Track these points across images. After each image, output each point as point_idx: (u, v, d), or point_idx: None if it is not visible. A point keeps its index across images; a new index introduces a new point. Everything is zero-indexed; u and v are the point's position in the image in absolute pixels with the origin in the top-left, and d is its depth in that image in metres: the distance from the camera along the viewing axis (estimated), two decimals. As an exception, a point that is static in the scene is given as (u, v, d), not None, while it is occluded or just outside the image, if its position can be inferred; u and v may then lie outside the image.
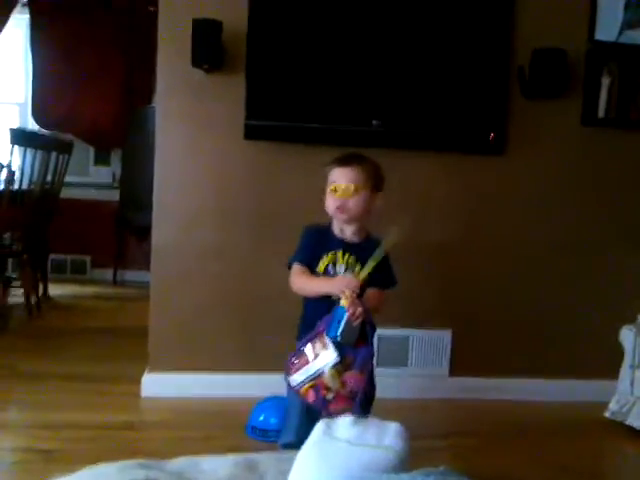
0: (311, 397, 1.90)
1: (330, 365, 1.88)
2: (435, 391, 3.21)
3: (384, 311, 2.12)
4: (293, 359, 1.93)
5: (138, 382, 3.09)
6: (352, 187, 2.05)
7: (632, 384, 2.93)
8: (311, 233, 2.17)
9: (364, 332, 1.95)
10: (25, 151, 4.37)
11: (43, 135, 5.33)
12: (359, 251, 2.09)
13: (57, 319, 4.69)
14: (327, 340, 1.89)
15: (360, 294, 1.96)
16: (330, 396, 1.89)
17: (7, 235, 4.81)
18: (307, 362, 1.91)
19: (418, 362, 3.25)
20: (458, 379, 3.26)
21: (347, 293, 1.92)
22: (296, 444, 1.98)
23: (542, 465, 2.58)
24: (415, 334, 3.24)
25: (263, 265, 3.08)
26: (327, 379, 1.88)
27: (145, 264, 3.76)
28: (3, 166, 4.26)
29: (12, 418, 2.88)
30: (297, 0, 3.02)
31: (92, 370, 3.40)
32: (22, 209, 4.44)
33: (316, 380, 1.89)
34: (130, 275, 6.19)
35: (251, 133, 3.00)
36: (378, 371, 2.23)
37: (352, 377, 1.91)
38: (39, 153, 4.44)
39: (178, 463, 1.35)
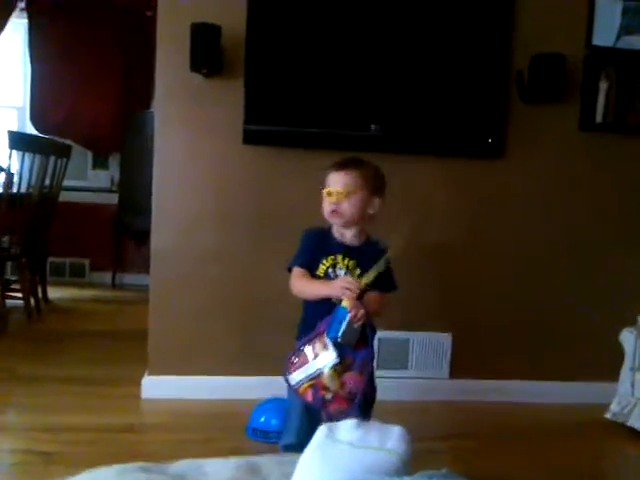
0: (310, 396, 1.91)
1: (329, 366, 1.88)
2: (435, 393, 3.21)
3: (385, 314, 2.13)
4: (293, 358, 1.94)
5: (138, 384, 3.09)
6: (344, 191, 2.06)
7: (633, 386, 2.94)
8: (311, 236, 2.17)
9: (364, 334, 1.95)
10: (23, 155, 4.37)
11: (41, 139, 5.32)
12: (359, 254, 2.10)
13: (56, 322, 4.69)
14: (327, 341, 1.89)
15: (360, 297, 1.97)
16: (329, 396, 1.89)
17: (6, 238, 4.81)
18: (307, 361, 1.91)
19: (418, 365, 3.26)
20: (458, 381, 3.26)
21: (349, 294, 1.93)
22: (297, 445, 2.01)
23: (543, 467, 2.58)
24: (415, 337, 3.24)
25: (262, 268, 3.08)
26: (326, 379, 1.89)
27: (144, 267, 3.77)
28: (2, 169, 4.26)
29: (11, 421, 2.87)
30: (296, 5, 3.02)
31: (91, 373, 3.40)
32: (21, 212, 4.44)
33: (315, 380, 1.89)
34: (129, 278, 6.20)
35: (250, 138, 3.01)
36: (378, 373, 2.23)
37: (351, 378, 1.91)
38: (37, 157, 4.45)
39: (179, 466, 1.35)
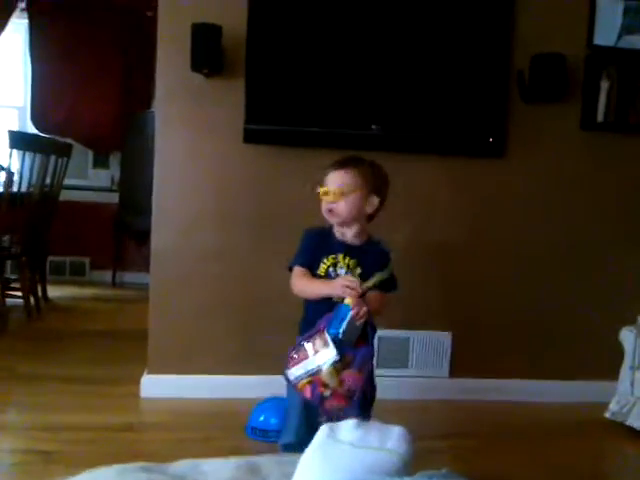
0: (308, 393, 1.91)
1: (329, 363, 1.88)
2: (435, 392, 3.21)
3: (385, 312, 2.13)
4: (293, 353, 1.93)
5: (137, 384, 3.09)
6: (339, 190, 2.06)
7: (632, 385, 2.94)
8: (311, 236, 2.17)
9: (365, 332, 1.95)
10: (24, 154, 4.38)
11: (42, 138, 5.32)
12: (360, 254, 2.10)
13: (56, 321, 4.69)
14: (328, 338, 1.89)
15: (362, 295, 1.96)
16: (327, 393, 1.89)
17: (6, 237, 4.82)
18: (306, 357, 1.91)
19: (418, 363, 3.26)
20: (458, 380, 3.27)
21: (350, 293, 1.93)
22: (296, 444, 2.02)
23: (542, 466, 2.58)
24: (415, 335, 3.25)
25: (263, 268, 3.08)
26: (325, 376, 1.88)
27: (144, 266, 3.77)
28: (3, 169, 4.26)
29: (11, 420, 2.87)
30: (296, 4, 3.02)
31: (91, 372, 3.40)
32: (21, 212, 4.44)
33: (314, 376, 1.89)
34: (129, 277, 6.20)
35: (250, 137, 3.01)
36: (378, 372, 2.24)
37: (350, 376, 1.91)
38: (38, 156, 4.45)
39: (179, 466, 1.35)
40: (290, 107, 3.04)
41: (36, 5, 6.00)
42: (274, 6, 3.01)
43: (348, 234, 2.13)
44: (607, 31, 3.22)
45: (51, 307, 5.06)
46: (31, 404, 2.95)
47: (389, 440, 1.05)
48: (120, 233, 6.13)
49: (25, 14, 6.00)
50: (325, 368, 1.88)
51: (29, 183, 4.47)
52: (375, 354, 2.11)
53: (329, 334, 1.89)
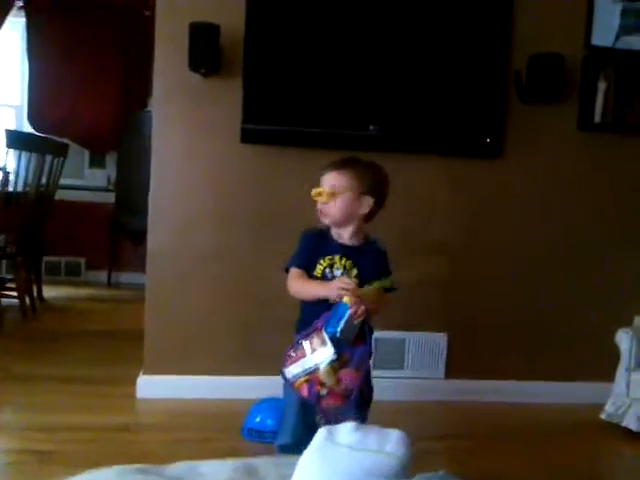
0: (305, 391, 1.90)
1: (326, 361, 1.87)
2: (431, 393, 3.21)
3: (381, 313, 2.12)
4: (290, 352, 1.93)
5: (134, 384, 3.08)
6: (330, 191, 2.06)
7: (628, 386, 2.94)
8: (309, 237, 2.17)
9: (362, 331, 1.95)
10: (20, 154, 4.36)
11: (38, 138, 5.31)
12: (357, 254, 2.10)
13: (52, 321, 4.69)
14: (325, 336, 1.88)
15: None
16: (324, 392, 1.88)
17: (1, 237, 4.80)
18: (304, 356, 1.90)
19: (414, 365, 3.26)
20: (454, 381, 3.26)
21: (347, 294, 1.92)
22: (292, 445, 2.02)
23: (539, 467, 2.58)
24: (411, 337, 3.24)
25: (261, 268, 3.08)
26: (322, 375, 1.88)
27: (140, 266, 3.76)
28: (-2, 168, 4.26)
29: (6, 420, 2.86)
30: (294, 4, 3.02)
31: (87, 372, 3.39)
32: (17, 211, 4.43)
33: (311, 375, 1.88)
34: (125, 277, 6.19)
35: (248, 137, 3.01)
36: (375, 373, 2.23)
37: (347, 375, 1.90)
38: (34, 156, 4.45)
39: (177, 468, 1.34)
40: (288, 107, 3.04)
41: (33, 3, 5.99)
42: (272, 6, 3.01)
43: (344, 235, 2.12)
44: (605, 32, 3.22)
45: (46, 307, 5.05)
46: (26, 404, 2.94)
47: (388, 443, 1.05)
48: (116, 233, 6.12)
49: (22, 12, 6.00)
50: (322, 367, 1.87)
51: (25, 182, 4.46)
52: (373, 353, 2.09)
53: (327, 333, 1.88)
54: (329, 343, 1.87)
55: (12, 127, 5.97)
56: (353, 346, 1.93)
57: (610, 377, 3.02)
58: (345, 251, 2.10)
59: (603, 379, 3.07)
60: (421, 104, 3.11)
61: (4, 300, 4.43)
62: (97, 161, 6.36)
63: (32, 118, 6.08)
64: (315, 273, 2.08)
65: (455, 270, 3.23)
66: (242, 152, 3.05)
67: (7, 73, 6.26)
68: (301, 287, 2.09)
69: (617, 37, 3.22)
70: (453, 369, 3.28)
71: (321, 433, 1.09)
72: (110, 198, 6.12)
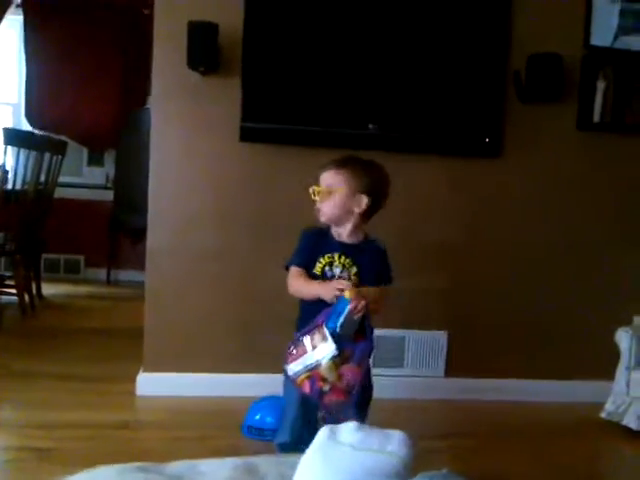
0: (307, 388, 1.90)
1: (328, 357, 1.87)
2: (432, 392, 3.21)
3: (381, 311, 2.12)
4: (291, 348, 1.93)
5: (133, 382, 3.09)
6: (324, 190, 2.07)
7: (628, 385, 2.95)
8: (309, 236, 2.17)
9: (363, 326, 1.95)
10: (19, 151, 4.36)
11: (37, 135, 5.31)
12: (356, 253, 2.10)
13: (51, 318, 4.68)
14: (326, 332, 1.88)
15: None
16: (326, 388, 1.88)
17: (1, 235, 4.80)
18: (305, 352, 1.90)
19: (414, 363, 3.26)
20: (454, 380, 3.27)
21: (350, 286, 1.93)
22: (291, 444, 2.03)
23: (540, 466, 2.59)
24: (411, 335, 3.25)
25: (260, 266, 3.08)
26: (324, 371, 1.88)
27: (139, 264, 3.76)
28: (-3, 165, 4.25)
29: (6, 417, 2.86)
30: (293, 3, 3.02)
31: (86, 370, 3.39)
32: (16, 209, 4.43)
33: (313, 371, 1.88)
34: (124, 275, 6.19)
35: (247, 135, 3.01)
36: (374, 372, 2.24)
37: (349, 370, 1.90)
38: (33, 153, 4.44)
39: (177, 466, 1.35)
40: (286, 106, 3.04)
41: (31, 1, 5.97)
42: (271, 4, 3.01)
43: (343, 233, 2.12)
44: (603, 32, 3.22)
45: (45, 305, 5.05)
46: (25, 401, 2.94)
47: (390, 443, 1.05)
48: (115, 231, 6.12)
49: (20, 10, 5.99)
50: (324, 363, 1.87)
51: (23, 180, 4.46)
52: (374, 348, 2.09)
53: (327, 328, 1.88)
54: (330, 339, 1.86)
55: (10, 125, 5.95)
56: (354, 342, 1.93)
57: (610, 376, 3.03)
58: (344, 249, 2.10)
59: (603, 378, 3.07)
60: (420, 103, 3.11)
61: (3, 297, 4.44)
62: (96, 159, 6.35)
63: (30, 116, 6.07)
64: (315, 271, 2.08)
65: (455, 269, 3.23)
66: (241, 150, 3.05)
67: (5, 71, 6.24)
68: (300, 286, 2.09)
69: (616, 37, 3.22)
70: (453, 367, 3.28)
71: (323, 432, 1.10)
72: (109, 196, 6.11)
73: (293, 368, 1.90)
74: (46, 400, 2.94)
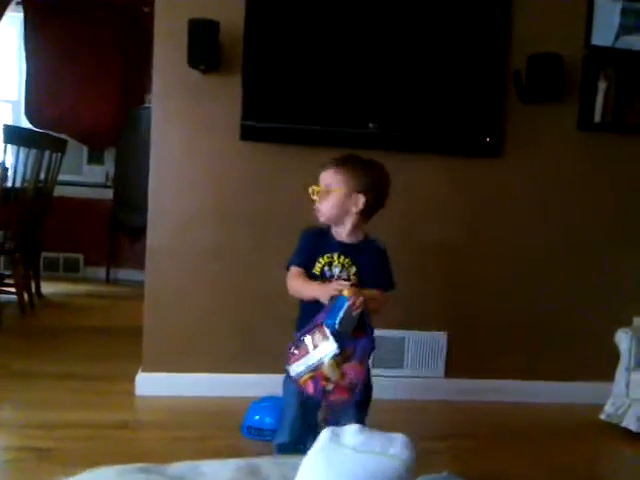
0: (310, 388, 1.89)
1: (330, 356, 1.86)
2: (431, 393, 3.21)
3: (381, 311, 2.12)
4: (293, 349, 1.92)
5: (132, 381, 3.09)
6: (322, 189, 2.07)
7: (627, 386, 2.95)
8: (308, 235, 2.16)
9: (363, 323, 1.94)
10: (18, 149, 4.35)
11: (37, 133, 5.29)
12: (356, 252, 2.09)
13: (50, 317, 4.68)
14: (327, 331, 1.87)
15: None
16: (330, 387, 1.88)
17: (0, 233, 4.79)
18: (307, 352, 1.88)
19: (414, 363, 3.26)
20: (454, 380, 3.27)
21: (348, 286, 1.92)
22: (290, 444, 2.02)
23: (539, 467, 2.58)
24: (411, 335, 3.24)
25: (260, 266, 3.08)
26: (327, 370, 1.87)
27: (138, 263, 3.76)
28: (-4, 163, 4.25)
29: (5, 417, 2.86)
30: (294, 1, 3.02)
31: (86, 369, 3.39)
32: (15, 207, 4.42)
33: (315, 371, 1.88)
34: (123, 273, 6.18)
35: (247, 134, 3.00)
36: (374, 372, 2.23)
37: (352, 368, 1.89)
38: (32, 151, 4.43)
39: (178, 467, 1.34)
40: (287, 104, 3.03)
41: (31, -1, 5.98)
42: (272, 2, 3.00)
43: (342, 233, 2.11)
44: (605, 31, 3.22)
45: (45, 303, 5.05)
46: (25, 401, 2.94)
47: (392, 446, 1.04)
48: (114, 230, 6.11)
49: (20, 8, 5.98)
50: (326, 361, 1.86)
51: (23, 178, 4.45)
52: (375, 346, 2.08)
53: (327, 326, 1.87)
54: (331, 337, 1.85)
55: (10, 122, 5.94)
56: (355, 339, 1.92)
57: (610, 377, 3.02)
58: (343, 249, 2.09)
59: (603, 379, 3.07)
60: (421, 103, 3.11)
61: (2, 296, 4.43)
62: (95, 157, 6.35)
63: (30, 114, 6.07)
64: (314, 271, 2.08)
65: (455, 269, 3.23)
66: (242, 149, 3.05)
67: (5, 68, 6.24)
68: (299, 286, 2.09)
69: (617, 37, 3.22)
70: (453, 368, 3.28)
71: (325, 434, 1.09)
72: (108, 194, 6.11)
73: (295, 369, 1.89)
74: (46, 400, 2.94)
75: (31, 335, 4.13)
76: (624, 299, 3.25)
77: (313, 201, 2.10)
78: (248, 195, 3.09)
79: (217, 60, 2.93)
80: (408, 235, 3.11)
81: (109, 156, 6.31)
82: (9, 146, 4.32)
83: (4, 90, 6.26)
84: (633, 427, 2.89)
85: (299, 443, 2.04)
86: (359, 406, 2.01)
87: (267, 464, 1.32)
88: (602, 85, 3.20)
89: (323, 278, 2.06)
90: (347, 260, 2.07)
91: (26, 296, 4.64)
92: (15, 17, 6.00)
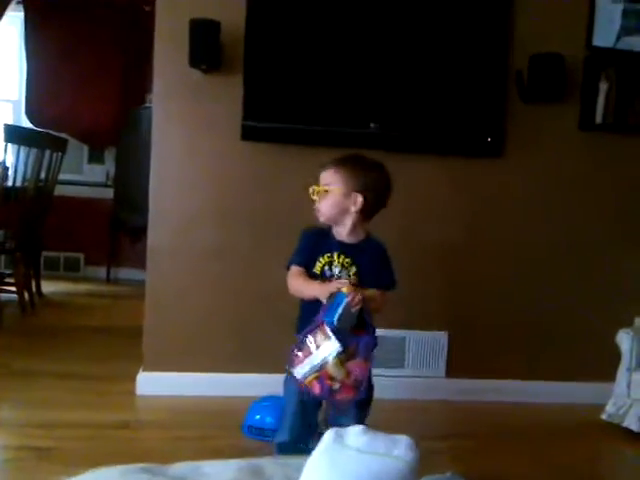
0: (316, 389, 1.89)
1: (333, 355, 1.86)
2: (432, 392, 3.21)
3: (382, 311, 2.11)
4: (295, 351, 1.91)
5: (133, 381, 3.08)
6: (321, 189, 2.07)
7: (629, 386, 2.95)
8: (309, 235, 2.16)
9: (363, 320, 1.94)
10: (19, 148, 4.35)
11: (37, 132, 5.29)
12: (356, 252, 2.09)
13: (51, 316, 4.68)
14: (328, 330, 1.87)
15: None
16: (336, 386, 1.88)
17: (1, 232, 4.79)
18: (310, 353, 1.88)
19: (415, 363, 3.26)
20: (455, 381, 3.27)
21: (348, 284, 1.92)
22: (290, 443, 2.03)
23: (540, 467, 2.58)
24: (412, 335, 3.24)
25: (261, 266, 3.08)
26: (331, 369, 1.86)
27: (139, 262, 3.75)
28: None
29: (5, 416, 2.86)
30: (296, 1, 3.01)
31: (87, 368, 3.39)
32: (16, 206, 4.42)
33: (320, 371, 1.87)
34: (123, 273, 6.18)
35: (248, 134, 3.00)
36: (375, 372, 2.22)
37: (357, 366, 1.89)
38: (33, 151, 4.43)
39: (180, 468, 1.34)
40: (288, 104, 3.03)
41: (32, -2, 5.97)
42: (273, 2, 3.00)
43: (342, 232, 2.11)
44: (606, 32, 3.22)
45: (45, 303, 5.04)
46: (25, 400, 2.94)
47: (396, 448, 1.04)
48: (115, 229, 6.11)
49: (21, 7, 5.98)
50: (330, 360, 1.86)
51: (24, 178, 4.45)
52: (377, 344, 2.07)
53: (325, 323, 1.87)
54: (333, 336, 1.85)
55: (10, 122, 5.94)
56: (356, 336, 1.92)
57: (611, 377, 3.02)
58: (343, 249, 2.09)
59: (603, 379, 3.07)
60: (422, 103, 3.11)
61: (3, 295, 4.42)
62: (96, 157, 6.35)
63: (30, 113, 6.06)
64: (314, 270, 2.08)
65: (456, 269, 3.23)
66: (243, 149, 3.05)
67: (5, 67, 6.23)
68: (300, 286, 2.09)
69: (618, 38, 3.22)
70: (454, 368, 3.28)
71: (329, 435, 1.09)
72: (109, 194, 6.10)
73: (300, 371, 1.89)
74: (46, 399, 2.94)
75: (31, 334, 4.12)
76: (625, 299, 3.25)
77: (314, 201, 2.10)
78: (249, 195, 3.09)
79: (218, 60, 2.92)
80: (409, 235, 3.11)
81: (110, 155, 6.31)
82: (10, 145, 4.32)
83: (4, 89, 6.25)
84: (634, 427, 2.89)
85: (299, 442, 2.04)
86: (359, 406, 2.01)
87: (270, 465, 1.32)
88: (603, 86, 3.20)
89: (323, 278, 2.06)
90: (347, 260, 2.07)
91: (26, 295, 4.64)
92: (15, 16, 5.99)
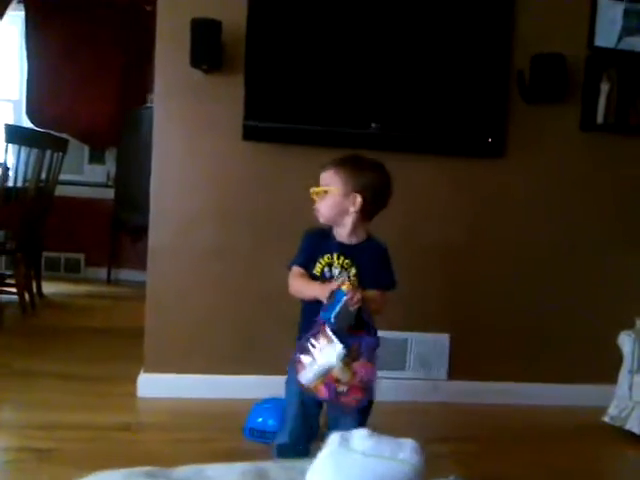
0: (324, 392, 1.88)
1: (338, 357, 1.86)
2: (433, 395, 3.20)
3: (383, 313, 2.11)
4: (299, 357, 1.91)
5: (134, 382, 3.08)
6: (320, 190, 2.07)
7: (631, 389, 2.94)
8: (310, 236, 2.16)
9: (362, 320, 1.93)
10: (20, 149, 4.35)
11: (38, 133, 5.28)
12: (356, 253, 2.08)
13: (51, 317, 4.67)
14: (330, 333, 1.86)
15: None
16: (343, 389, 1.87)
17: (1, 233, 4.79)
18: (314, 358, 1.88)
19: (416, 365, 3.25)
20: (456, 383, 3.26)
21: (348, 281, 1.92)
22: (290, 446, 2.03)
23: (542, 470, 2.58)
24: (414, 337, 3.23)
25: (262, 266, 3.07)
26: (337, 372, 1.85)
27: (139, 263, 3.75)
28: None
29: (6, 417, 2.86)
30: (297, 1, 3.01)
31: (88, 370, 3.38)
32: (16, 207, 4.41)
33: (325, 375, 1.87)
34: (124, 274, 6.16)
35: (249, 134, 2.99)
36: (376, 374, 2.22)
37: (362, 367, 1.88)
38: (34, 151, 4.43)
39: (183, 471, 1.33)
40: (290, 104, 3.02)
41: (33, -3, 5.96)
42: (274, 2, 3.00)
43: (342, 233, 2.11)
44: (607, 32, 3.21)
45: (46, 303, 5.03)
46: (26, 402, 2.94)
47: (401, 451, 1.04)
48: (116, 230, 6.10)
49: (21, 6, 5.96)
50: (335, 363, 1.85)
51: (24, 178, 4.44)
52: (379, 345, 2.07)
53: (323, 319, 1.86)
54: (335, 339, 1.84)
55: (10, 122, 5.93)
56: (358, 337, 1.91)
57: (612, 379, 3.02)
58: (343, 249, 2.08)
59: (605, 381, 3.06)
60: (423, 103, 3.10)
61: (4, 296, 4.43)
62: (97, 157, 6.33)
63: (31, 113, 6.05)
64: (314, 271, 2.08)
65: (457, 270, 3.22)
66: (244, 149, 3.04)
67: (6, 67, 6.22)
68: (300, 286, 2.08)
69: (620, 38, 3.21)
70: (455, 370, 3.27)
71: (334, 439, 1.08)
72: (110, 194, 6.09)
73: (305, 376, 1.88)
74: (47, 400, 2.93)
75: (32, 335, 4.12)
76: (626, 301, 3.24)
77: (314, 201, 2.10)
78: (250, 195, 3.09)
79: (219, 60, 2.92)
80: (410, 236, 3.10)
81: (110, 156, 6.29)
82: (10, 145, 4.31)
83: (5, 89, 6.24)
84: (636, 430, 2.88)
85: (299, 445, 2.04)
86: (361, 408, 2.00)
87: (274, 468, 1.31)
88: (605, 86, 3.19)
89: (323, 279, 2.05)
90: (347, 261, 2.06)
91: (27, 296, 4.63)
92: (16, 16, 5.98)
